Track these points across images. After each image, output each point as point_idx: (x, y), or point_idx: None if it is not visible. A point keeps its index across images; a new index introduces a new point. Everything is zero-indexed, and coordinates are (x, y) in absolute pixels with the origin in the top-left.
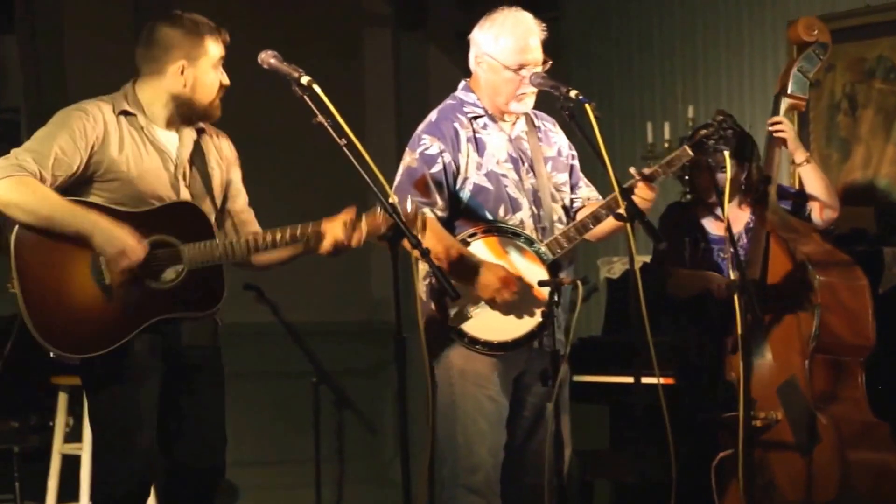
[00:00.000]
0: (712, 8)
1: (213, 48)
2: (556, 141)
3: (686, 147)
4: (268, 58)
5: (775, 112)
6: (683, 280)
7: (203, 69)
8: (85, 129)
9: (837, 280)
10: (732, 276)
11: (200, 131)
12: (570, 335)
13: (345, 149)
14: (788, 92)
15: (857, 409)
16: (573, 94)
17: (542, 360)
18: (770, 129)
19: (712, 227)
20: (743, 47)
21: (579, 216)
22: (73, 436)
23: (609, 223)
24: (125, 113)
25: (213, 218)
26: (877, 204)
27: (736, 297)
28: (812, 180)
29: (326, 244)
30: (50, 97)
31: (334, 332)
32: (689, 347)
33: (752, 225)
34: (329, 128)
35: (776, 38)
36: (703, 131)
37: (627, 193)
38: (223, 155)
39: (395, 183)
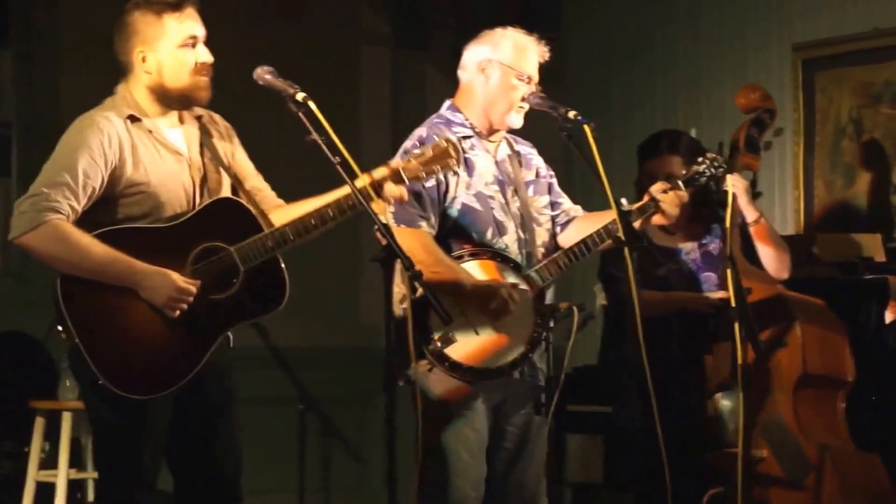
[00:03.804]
0: (717, 29)
1: (174, 26)
2: (535, 164)
3: (679, 182)
4: (263, 73)
5: (731, 169)
6: (651, 302)
7: (165, 51)
8: (102, 146)
9: (815, 319)
10: (732, 304)
11: (199, 118)
12: (566, 362)
13: (338, 167)
14: (743, 151)
15: (841, 441)
16: (572, 114)
17: (522, 388)
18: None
19: (660, 238)
20: (747, 68)
21: (567, 233)
22: (49, 462)
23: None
24: (132, 118)
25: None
26: (883, 231)
27: (736, 326)
28: (760, 241)
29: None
30: (42, 113)
31: (323, 357)
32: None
33: (705, 242)
34: (323, 146)
35: (781, 59)
36: (696, 168)
37: (626, 217)
38: (225, 139)
39: None
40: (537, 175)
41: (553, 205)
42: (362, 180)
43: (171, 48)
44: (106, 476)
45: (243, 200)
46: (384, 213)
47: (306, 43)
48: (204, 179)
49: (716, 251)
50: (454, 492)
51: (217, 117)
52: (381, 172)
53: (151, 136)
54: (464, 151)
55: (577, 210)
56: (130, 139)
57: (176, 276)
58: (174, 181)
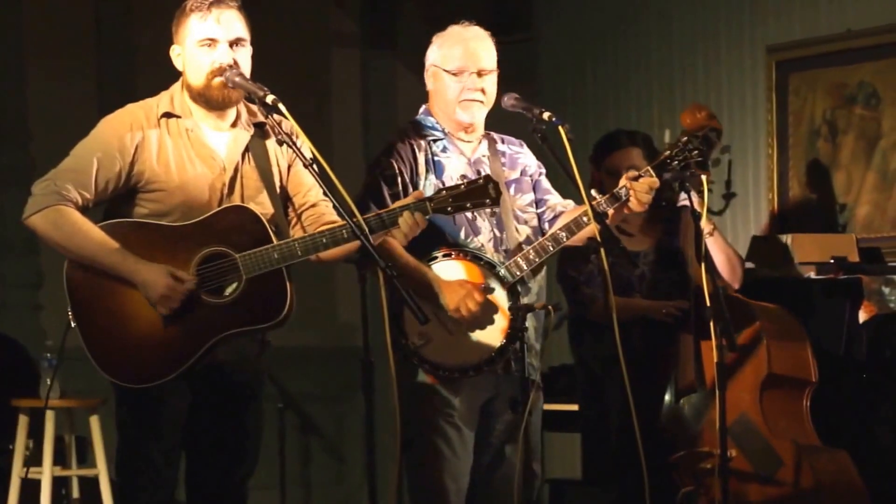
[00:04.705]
0: (689, 30)
1: (197, 25)
2: (523, 162)
3: (649, 169)
4: (233, 76)
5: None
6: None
7: (189, 49)
8: (124, 140)
9: (776, 323)
10: (708, 302)
11: (259, 126)
12: (541, 361)
13: (309, 169)
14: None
15: (808, 438)
16: (546, 115)
17: (511, 385)
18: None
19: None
20: (721, 70)
21: (553, 228)
22: (34, 460)
23: (583, 232)
24: (169, 115)
25: (277, 219)
26: (857, 232)
27: (711, 324)
28: (715, 252)
29: (400, 235)
30: (8, 115)
31: (301, 356)
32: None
33: (665, 246)
34: (295, 148)
35: (755, 60)
36: (667, 152)
37: (602, 218)
38: (284, 149)
39: (354, 202)
40: (522, 173)
41: (538, 202)
42: (339, 189)
43: (191, 47)
44: (118, 469)
45: (258, 210)
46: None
47: (275, 44)
48: (240, 186)
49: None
50: (432, 483)
51: (286, 126)
52: (412, 198)
53: (188, 135)
54: (433, 154)
55: (566, 205)
56: (160, 136)
57: (169, 274)
58: (199, 183)
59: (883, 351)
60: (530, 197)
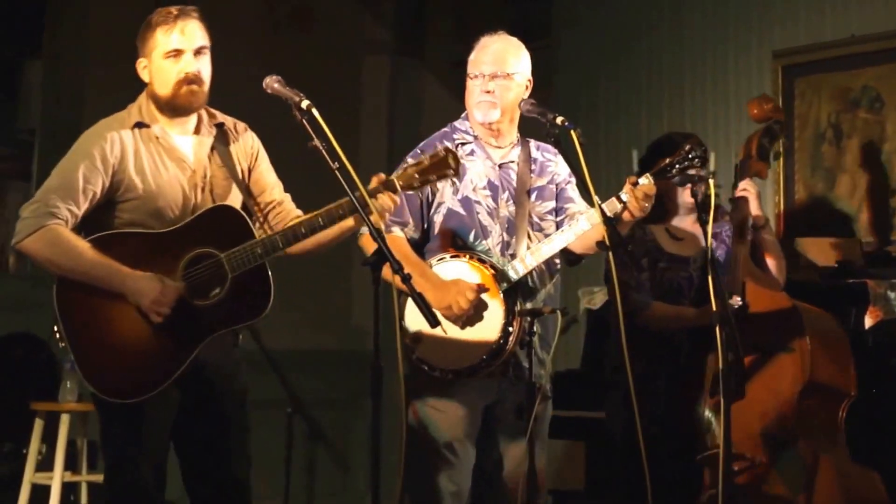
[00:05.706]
0: (699, 36)
1: (163, 38)
2: (552, 170)
3: (647, 175)
4: (272, 82)
5: (741, 176)
6: (661, 316)
7: (156, 61)
8: (104, 151)
9: (824, 330)
10: (714, 307)
11: (219, 126)
12: (548, 367)
13: (337, 172)
14: (755, 159)
15: (840, 451)
16: (559, 120)
17: (517, 391)
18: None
19: (669, 245)
20: (728, 75)
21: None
22: (46, 465)
23: (591, 236)
24: (140, 125)
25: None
26: (862, 235)
27: (717, 329)
28: (767, 246)
29: (377, 217)
30: (66, 121)
31: (312, 360)
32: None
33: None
34: (324, 151)
35: (761, 65)
36: (668, 160)
37: (611, 221)
38: (244, 149)
39: None
40: (550, 182)
41: (558, 210)
42: (360, 190)
43: (158, 58)
44: (106, 478)
45: (240, 209)
46: (379, 220)
47: (313, 52)
48: (210, 187)
49: (722, 258)
50: (432, 485)
51: (241, 127)
52: (375, 181)
53: (157, 142)
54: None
55: (584, 213)
56: (135, 145)
57: (159, 280)
58: (173, 188)
59: (888, 357)
60: (551, 205)
